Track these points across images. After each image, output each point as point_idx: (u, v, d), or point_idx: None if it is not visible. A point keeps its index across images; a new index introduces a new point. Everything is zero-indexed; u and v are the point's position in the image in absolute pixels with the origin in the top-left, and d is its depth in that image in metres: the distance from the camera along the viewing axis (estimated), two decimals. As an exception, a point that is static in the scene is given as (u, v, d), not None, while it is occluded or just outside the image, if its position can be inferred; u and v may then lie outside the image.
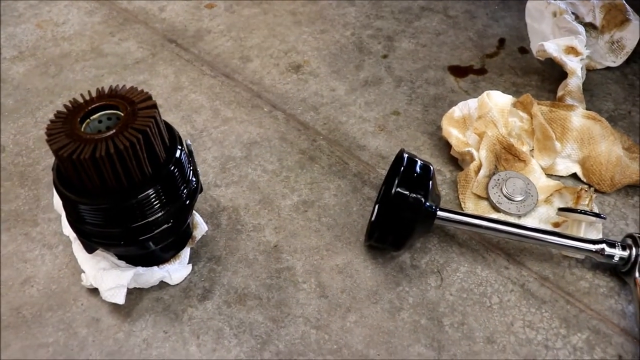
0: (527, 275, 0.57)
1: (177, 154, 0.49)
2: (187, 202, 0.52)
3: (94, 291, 0.55)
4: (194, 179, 0.53)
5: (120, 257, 0.55)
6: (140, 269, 0.54)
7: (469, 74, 0.81)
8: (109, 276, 0.53)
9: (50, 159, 0.67)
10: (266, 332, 0.52)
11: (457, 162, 0.67)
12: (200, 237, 0.58)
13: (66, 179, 0.47)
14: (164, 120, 0.50)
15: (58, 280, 0.57)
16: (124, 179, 0.45)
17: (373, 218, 0.54)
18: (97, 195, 0.46)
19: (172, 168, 0.48)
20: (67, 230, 0.56)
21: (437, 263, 0.58)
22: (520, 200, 0.60)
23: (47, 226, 0.62)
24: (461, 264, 0.57)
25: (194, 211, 0.57)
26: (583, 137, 0.65)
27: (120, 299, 0.52)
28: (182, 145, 0.51)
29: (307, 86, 0.79)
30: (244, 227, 0.61)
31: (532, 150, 0.66)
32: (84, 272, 0.55)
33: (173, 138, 0.50)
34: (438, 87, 0.78)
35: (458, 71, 0.81)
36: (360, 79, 0.80)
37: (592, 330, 0.53)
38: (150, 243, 0.51)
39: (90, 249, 0.52)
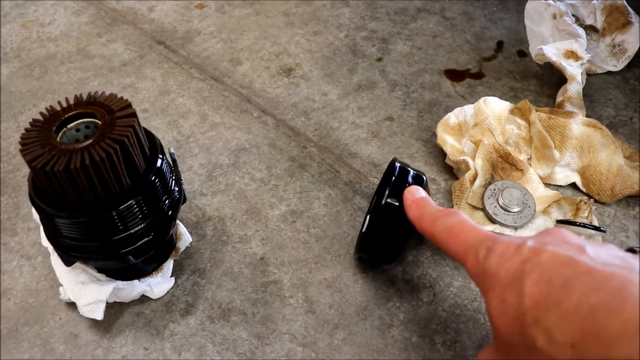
0: (523, 290, 0.54)
1: (158, 164, 0.47)
2: (170, 213, 0.49)
3: (73, 305, 0.53)
4: (176, 189, 0.51)
5: (99, 270, 0.53)
6: (120, 283, 0.52)
7: (466, 78, 0.78)
8: (87, 291, 0.51)
9: (31, 166, 0.65)
10: (250, 349, 0.50)
11: (452, 171, 0.65)
12: (184, 248, 0.56)
13: (41, 190, 0.45)
14: (144, 129, 0.48)
15: (36, 293, 0.55)
16: (101, 191, 0.43)
17: (363, 229, 0.51)
18: (74, 208, 0.44)
19: (152, 178, 0.46)
20: (46, 241, 0.53)
21: (430, 277, 0.55)
22: (517, 211, 0.58)
23: (26, 236, 0.59)
24: (455, 278, 0.55)
25: (178, 221, 0.55)
26: (583, 145, 0.62)
27: (98, 315, 0.50)
28: (163, 154, 0.49)
29: (298, 90, 0.76)
30: (230, 238, 0.59)
31: (529, 159, 0.64)
32: (62, 285, 0.53)
33: (154, 147, 0.48)
34: (434, 91, 0.76)
35: (454, 75, 0.79)
36: (353, 83, 0.77)
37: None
38: (131, 257, 0.48)
39: (68, 262, 0.50)
